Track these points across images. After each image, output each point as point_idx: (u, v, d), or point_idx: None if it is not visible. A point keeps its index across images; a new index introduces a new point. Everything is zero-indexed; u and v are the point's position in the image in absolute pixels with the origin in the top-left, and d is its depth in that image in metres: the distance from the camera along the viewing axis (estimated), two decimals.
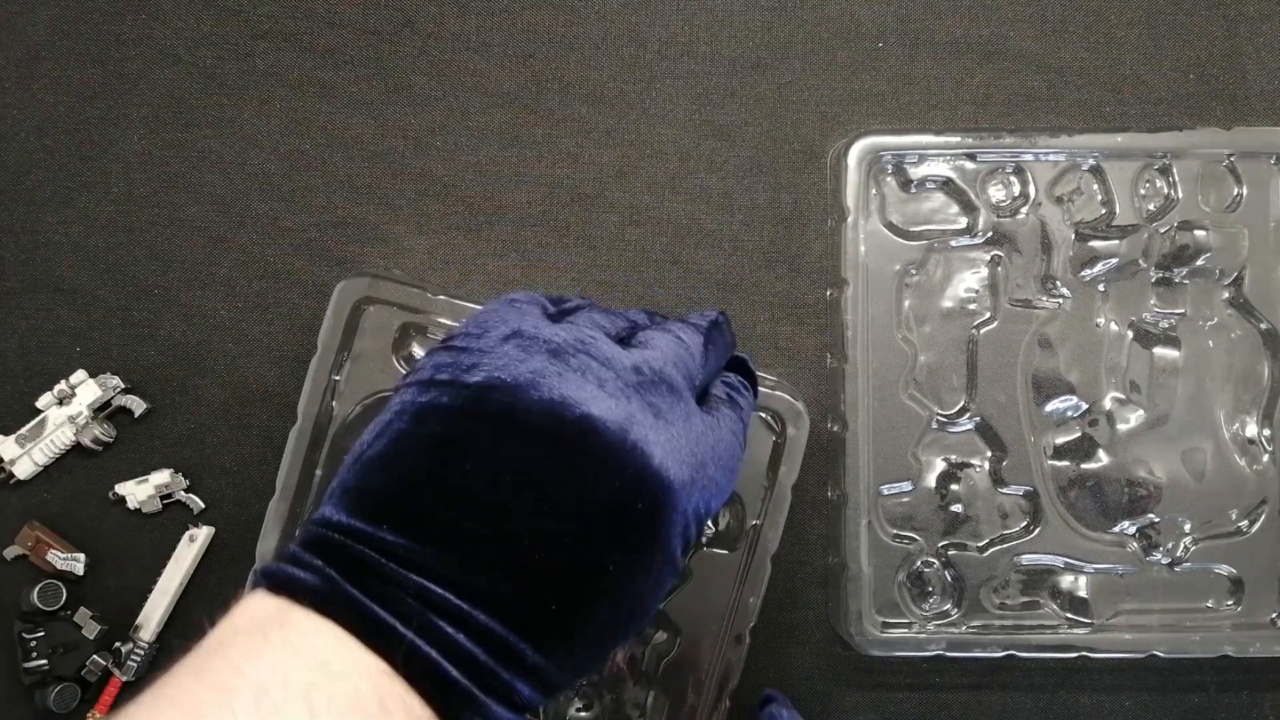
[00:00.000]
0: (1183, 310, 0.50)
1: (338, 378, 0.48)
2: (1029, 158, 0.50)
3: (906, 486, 0.50)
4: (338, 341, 0.47)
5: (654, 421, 0.31)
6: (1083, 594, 0.49)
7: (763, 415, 0.45)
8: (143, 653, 0.49)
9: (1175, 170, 0.50)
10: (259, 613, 0.29)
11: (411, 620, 0.28)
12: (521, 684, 0.29)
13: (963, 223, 0.50)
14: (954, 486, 0.50)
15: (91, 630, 0.49)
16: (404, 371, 0.47)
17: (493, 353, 0.32)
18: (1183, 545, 0.50)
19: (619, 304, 0.51)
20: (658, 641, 0.46)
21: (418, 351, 0.48)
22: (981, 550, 0.50)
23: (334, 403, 0.47)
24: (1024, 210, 0.50)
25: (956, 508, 0.50)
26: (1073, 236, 0.50)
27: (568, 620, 0.30)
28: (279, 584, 0.29)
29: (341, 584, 0.28)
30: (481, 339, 0.33)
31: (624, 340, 0.35)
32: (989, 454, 0.50)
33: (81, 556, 0.50)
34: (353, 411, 0.47)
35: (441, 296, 0.47)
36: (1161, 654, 0.48)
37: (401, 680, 0.28)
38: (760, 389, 0.43)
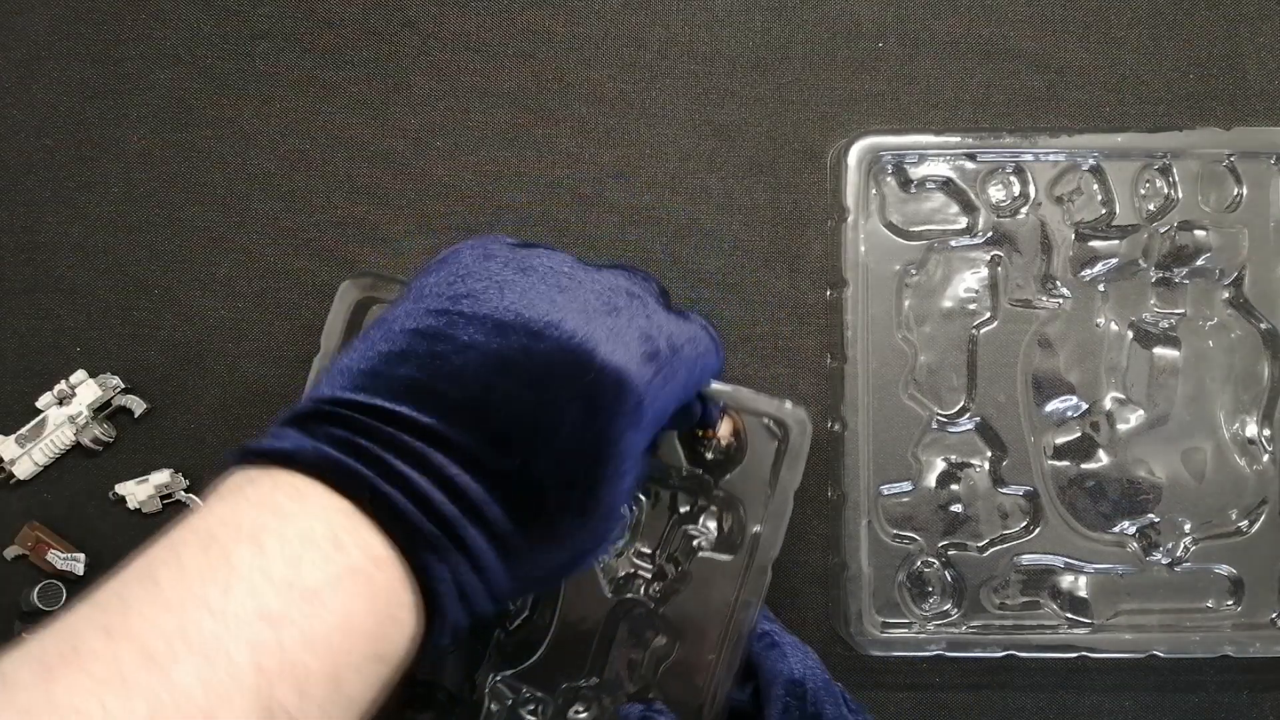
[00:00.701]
0: (1183, 310, 0.50)
1: None
2: (1029, 158, 0.50)
3: (906, 486, 0.50)
4: (339, 341, 0.46)
5: (608, 319, 0.34)
6: (1083, 594, 0.49)
7: (765, 421, 0.45)
8: None
9: (1175, 170, 0.50)
10: (225, 484, 0.30)
11: (377, 463, 0.29)
12: (484, 541, 0.30)
13: (963, 223, 0.50)
14: (954, 486, 0.50)
15: None
16: None
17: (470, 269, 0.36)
18: (1183, 545, 0.50)
19: None
20: (656, 646, 0.45)
21: None
22: (981, 550, 0.50)
23: None
24: (1024, 210, 0.50)
25: (956, 508, 0.50)
26: (1073, 236, 0.50)
27: (532, 480, 0.31)
28: (246, 455, 0.30)
29: (305, 439, 0.30)
30: (457, 257, 0.37)
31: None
32: (989, 454, 0.50)
33: (81, 557, 0.50)
34: None
35: None
36: (1161, 654, 0.48)
37: (364, 518, 0.28)
38: (762, 394, 0.43)
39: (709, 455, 0.44)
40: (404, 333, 0.33)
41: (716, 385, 0.43)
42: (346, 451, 0.29)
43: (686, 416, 0.41)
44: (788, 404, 0.45)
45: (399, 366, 0.32)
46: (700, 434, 0.44)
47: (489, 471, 0.30)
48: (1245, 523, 0.50)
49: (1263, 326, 0.50)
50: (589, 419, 0.32)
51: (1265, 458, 0.50)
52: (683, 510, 0.46)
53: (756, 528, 0.44)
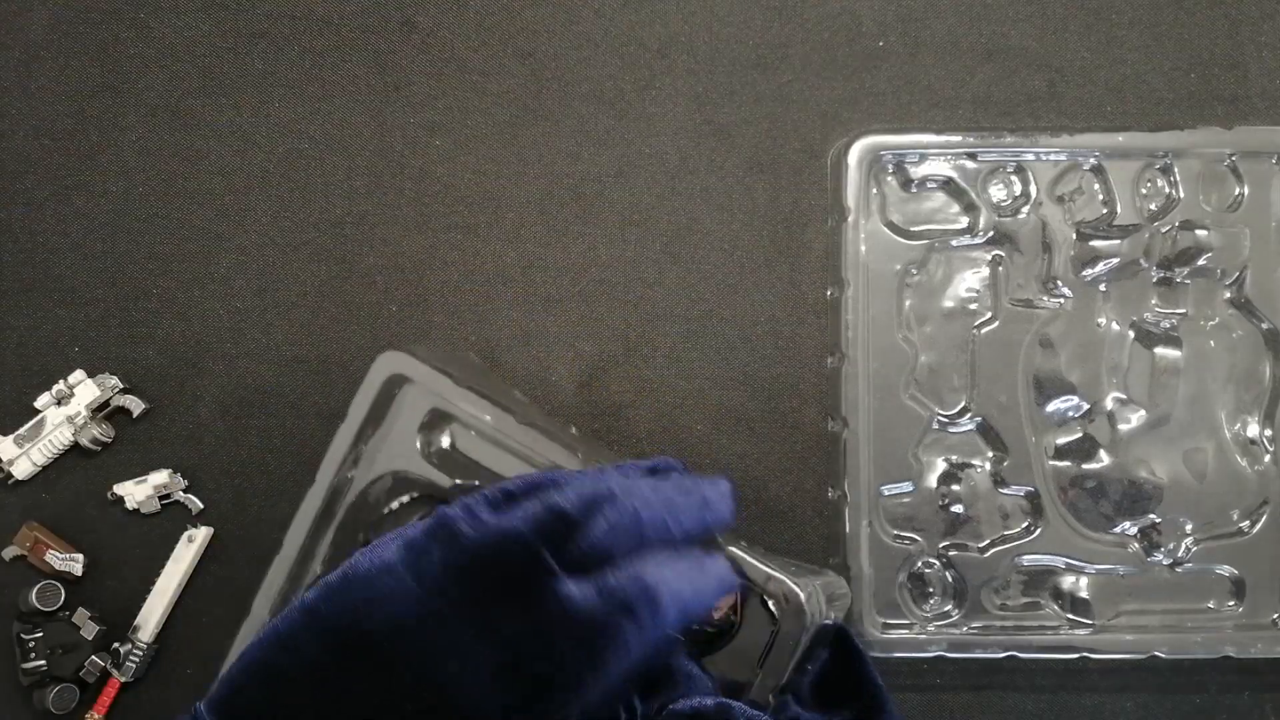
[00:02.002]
0: (1184, 310, 0.50)
1: (363, 447, 0.46)
2: (1030, 157, 0.50)
3: (907, 487, 0.50)
4: (365, 414, 0.45)
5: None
6: (1084, 595, 0.49)
7: (765, 600, 0.39)
8: (141, 653, 0.49)
9: (1176, 170, 0.50)
10: None
11: None
12: None
13: (963, 222, 0.50)
14: (955, 487, 0.50)
15: (90, 631, 0.49)
16: (422, 454, 0.45)
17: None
18: (1184, 546, 0.50)
19: (618, 304, 0.51)
20: None
21: (444, 441, 0.45)
22: (982, 551, 0.49)
23: (352, 473, 0.45)
24: (1025, 210, 0.50)
25: (957, 508, 0.50)
26: (1074, 236, 0.50)
27: None
28: None
29: None
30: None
31: None
32: (990, 454, 0.50)
33: (80, 557, 0.50)
34: (371, 483, 0.45)
35: (466, 390, 0.44)
36: (1163, 655, 0.48)
37: None
38: (770, 560, 0.38)
39: (704, 628, 0.39)
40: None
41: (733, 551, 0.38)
42: None
43: None
44: (793, 584, 0.39)
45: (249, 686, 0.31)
46: None
47: None
48: (1247, 523, 0.50)
49: (1264, 326, 0.50)
50: None
51: (1266, 458, 0.50)
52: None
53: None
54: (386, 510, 0.45)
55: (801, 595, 0.38)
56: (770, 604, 0.38)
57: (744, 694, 0.37)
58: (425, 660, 0.29)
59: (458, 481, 0.44)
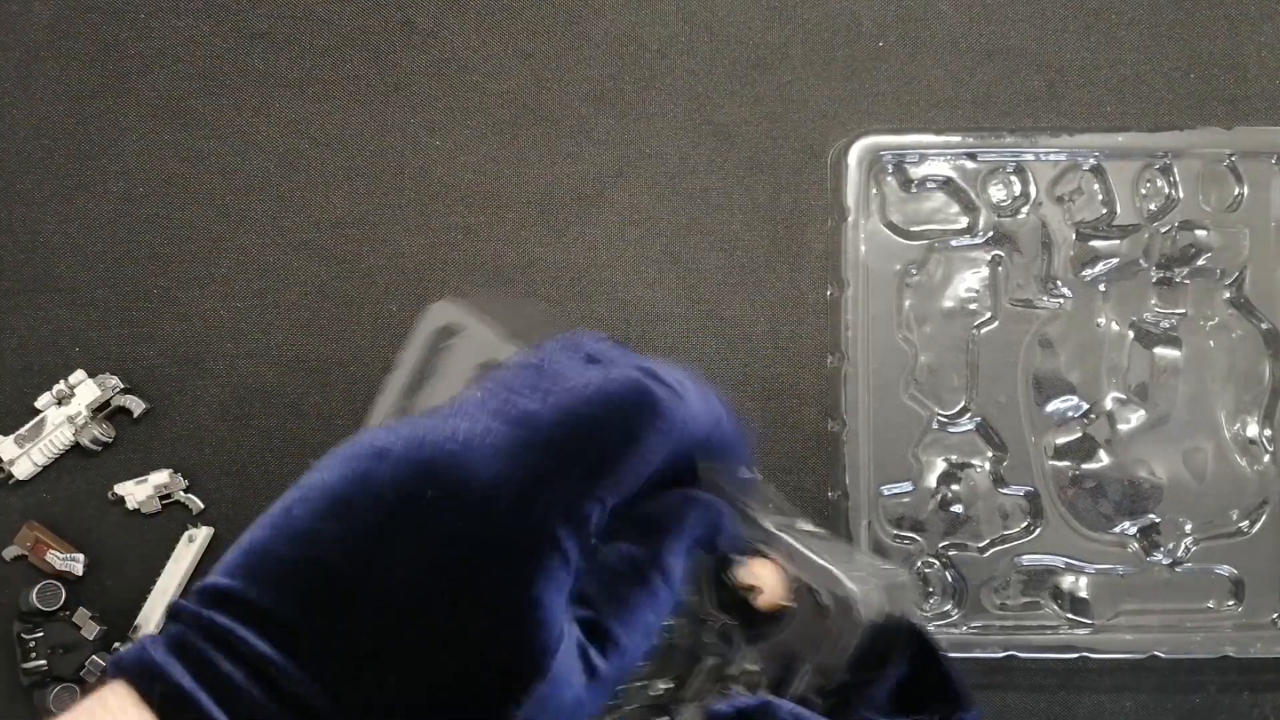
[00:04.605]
0: (1184, 310, 0.50)
1: (410, 400, 0.44)
2: (1030, 157, 0.50)
3: (907, 487, 0.50)
4: (416, 364, 0.43)
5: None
6: (1083, 594, 0.49)
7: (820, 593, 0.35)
8: None
9: (1176, 170, 0.50)
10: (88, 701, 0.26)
11: (195, 658, 0.26)
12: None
13: (963, 222, 0.50)
14: (954, 487, 0.50)
15: (91, 631, 0.49)
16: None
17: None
18: (1184, 545, 0.50)
19: (618, 304, 0.51)
20: None
21: None
22: (982, 550, 0.50)
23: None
24: (1025, 210, 0.50)
25: (957, 508, 0.50)
26: (1073, 236, 0.50)
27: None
28: (116, 668, 0.26)
29: (148, 642, 0.26)
30: None
31: None
32: (989, 454, 0.50)
33: (81, 557, 0.50)
34: None
35: (517, 342, 0.43)
36: (1162, 654, 0.48)
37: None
38: (828, 551, 0.34)
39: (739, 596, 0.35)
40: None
41: (765, 523, 0.35)
42: (173, 650, 0.26)
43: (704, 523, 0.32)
44: (848, 582, 0.34)
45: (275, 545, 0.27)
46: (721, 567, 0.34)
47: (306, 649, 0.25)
48: (1246, 523, 0.50)
49: (1264, 326, 0.50)
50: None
51: (1266, 458, 0.50)
52: (709, 662, 0.36)
53: None
54: None
55: (856, 592, 0.34)
56: (822, 596, 0.35)
57: (788, 690, 0.36)
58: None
59: None
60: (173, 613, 0.27)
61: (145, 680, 0.25)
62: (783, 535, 0.35)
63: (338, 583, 0.26)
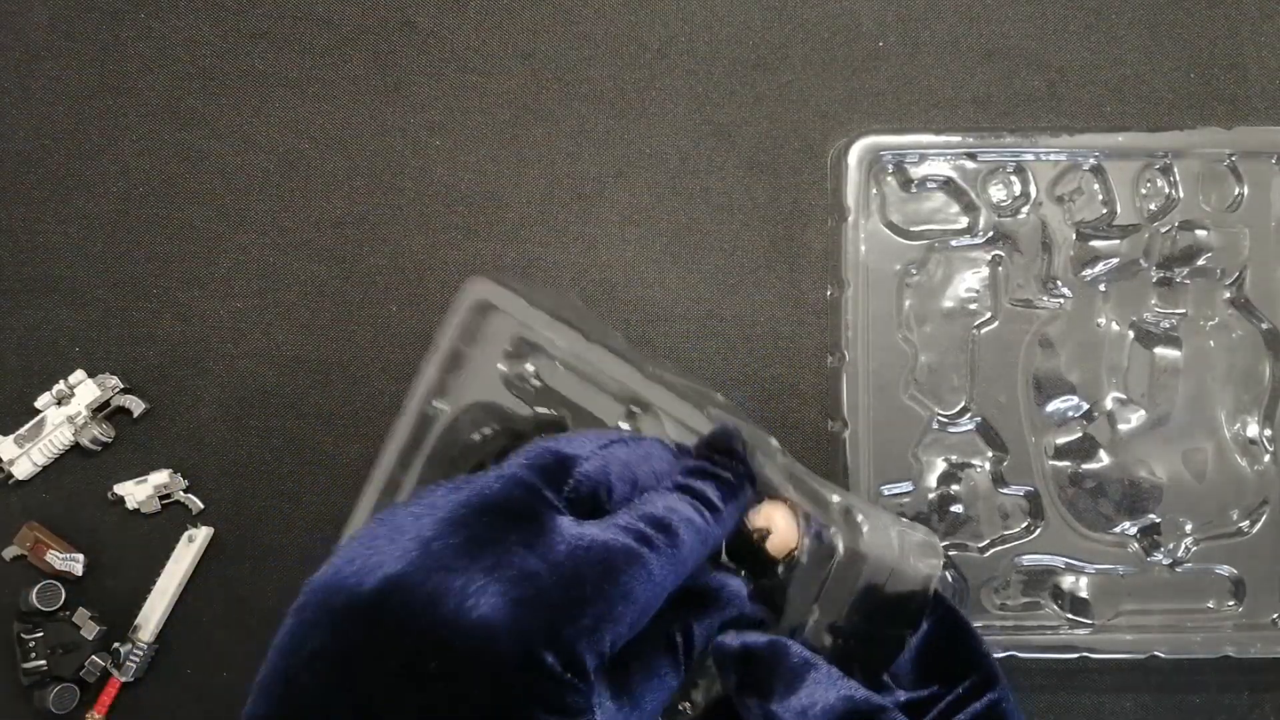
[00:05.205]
0: (1184, 310, 0.50)
1: (448, 376, 0.44)
2: (1030, 157, 0.50)
3: (907, 487, 0.50)
4: (453, 340, 0.43)
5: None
6: (1083, 594, 0.49)
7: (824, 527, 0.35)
8: (141, 653, 0.49)
9: (1176, 170, 0.50)
10: None
11: None
12: None
13: (963, 222, 0.50)
14: (955, 487, 0.50)
15: (90, 631, 0.49)
16: (505, 383, 0.42)
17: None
18: (1184, 546, 0.50)
19: (618, 304, 0.51)
20: None
21: (528, 367, 0.43)
22: (982, 551, 0.49)
23: (437, 403, 0.43)
24: (1025, 210, 0.50)
25: (957, 508, 0.50)
26: (1074, 236, 0.50)
27: None
28: None
29: None
30: None
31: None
32: (989, 454, 0.50)
33: (80, 557, 0.50)
34: (458, 414, 0.42)
35: (555, 320, 0.41)
36: (1162, 655, 0.48)
37: None
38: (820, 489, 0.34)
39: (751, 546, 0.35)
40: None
41: (781, 460, 0.35)
42: None
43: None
44: (858, 511, 0.34)
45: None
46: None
47: None
48: (1246, 523, 0.50)
49: (1264, 326, 0.50)
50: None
51: (1266, 458, 0.50)
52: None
53: None
54: (470, 440, 0.43)
55: (863, 523, 0.34)
56: (829, 533, 0.34)
57: (799, 634, 0.34)
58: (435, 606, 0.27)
59: (539, 410, 0.42)
60: None
61: None
62: (798, 470, 0.35)
63: None
